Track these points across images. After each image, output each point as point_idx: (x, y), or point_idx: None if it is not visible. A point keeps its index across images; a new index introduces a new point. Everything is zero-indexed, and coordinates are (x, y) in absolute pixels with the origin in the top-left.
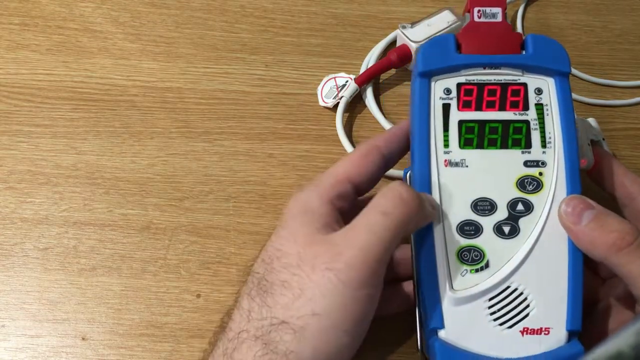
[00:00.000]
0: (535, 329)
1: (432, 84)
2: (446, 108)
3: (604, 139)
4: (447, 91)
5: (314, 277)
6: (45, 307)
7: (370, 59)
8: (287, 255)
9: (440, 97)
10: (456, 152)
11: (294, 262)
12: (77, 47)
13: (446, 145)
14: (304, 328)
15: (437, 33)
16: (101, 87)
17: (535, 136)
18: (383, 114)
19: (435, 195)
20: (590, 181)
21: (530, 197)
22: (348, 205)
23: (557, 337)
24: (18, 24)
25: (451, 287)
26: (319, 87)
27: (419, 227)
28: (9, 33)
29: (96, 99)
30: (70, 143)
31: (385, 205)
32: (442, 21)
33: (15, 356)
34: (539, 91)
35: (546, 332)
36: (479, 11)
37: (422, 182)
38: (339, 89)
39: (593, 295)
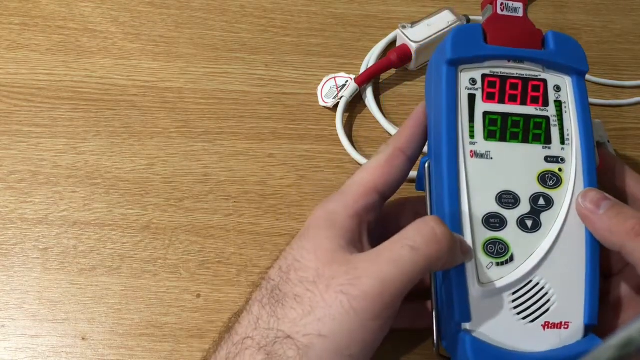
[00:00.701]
0: (556, 323)
1: (459, 73)
2: (472, 98)
3: (609, 141)
4: (473, 81)
5: (327, 297)
6: (45, 307)
7: (370, 59)
8: (305, 269)
9: (466, 87)
10: (481, 144)
11: (310, 277)
12: (77, 47)
13: (472, 136)
14: (308, 347)
15: (437, 33)
16: (101, 87)
17: (555, 133)
18: (383, 114)
19: (462, 185)
20: (598, 182)
21: (551, 193)
22: (375, 217)
23: (576, 331)
24: (18, 24)
25: (478, 280)
26: (319, 87)
27: (445, 269)
28: (9, 33)
29: (96, 99)
30: (70, 143)
31: (415, 240)
32: (442, 21)
33: (15, 356)
34: (557, 88)
35: (566, 327)
36: (502, 4)
37: (450, 172)
38: (339, 89)
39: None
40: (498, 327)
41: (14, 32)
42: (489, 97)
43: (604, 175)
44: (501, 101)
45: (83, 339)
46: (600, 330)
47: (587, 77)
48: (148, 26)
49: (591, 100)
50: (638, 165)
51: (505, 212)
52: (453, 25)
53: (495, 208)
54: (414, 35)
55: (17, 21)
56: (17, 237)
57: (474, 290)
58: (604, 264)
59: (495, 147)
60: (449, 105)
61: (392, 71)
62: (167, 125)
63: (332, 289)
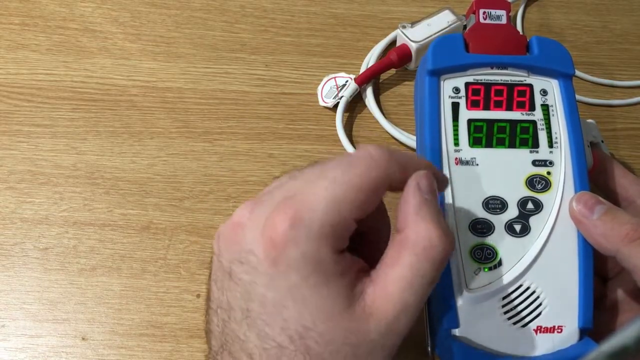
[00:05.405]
0: (549, 327)
1: (441, 82)
2: (455, 107)
3: (603, 141)
4: (456, 90)
5: None
6: (45, 307)
7: (370, 59)
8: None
9: (449, 96)
10: (466, 151)
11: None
12: (77, 47)
13: (456, 143)
14: None
15: (437, 33)
16: (101, 87)
17: (542, 136)
18: (383, 114)
19: (448, 193)
20: (592, 182)
21: (540, 196)
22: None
23: (570, 334)
24: (18, 24)
25: (466, 286)
26: (319, 87)
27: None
28: (9, 33)
29: (96, 99)
30: (70, 143)
31: (423, 269)
32: (442, 21)
33: (15, 356)
34: (544, 92)
35: (559, 330)
36: (484, 13)
37: None
38: (339, 88)
39: (595, 294)
40: (489, 333)
41: (14, 32)
42: (473, 105)
43: (597, 175)
44: (486, 108)
45: (83, 339)
46: (598, 334)
47: (587, 77)
48: (148, 26)
49: (591, 100)
50: (632, 166)
51: (492, 218)
52: (453, 25)
53: (482, 214)
54: (414, 35)
55: (17, 21)
56: (17, 237)
57: (461, 296)
58: (602, 267)
59: (481, 154)
60: (432, 115)
61: (392, 71)
62: (167, 125)
63: None
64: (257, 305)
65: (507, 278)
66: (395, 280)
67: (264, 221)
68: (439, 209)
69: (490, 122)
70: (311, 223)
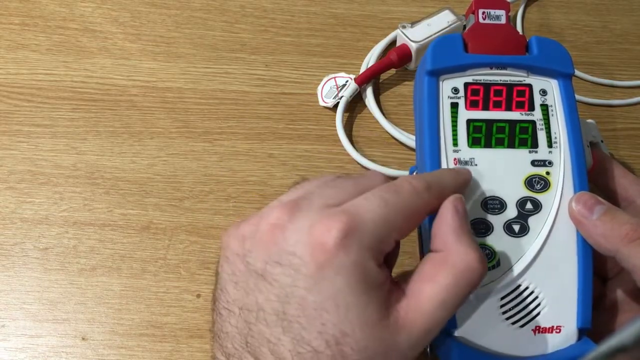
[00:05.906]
0: (547, 327)
1: (440, 82)
2: (454, 107)
3: (602, 141)
4: (455, 90)
5: None
6: (45, 307)
7: (370, 59)
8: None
9: (448, 96)
10: (465, 151)
11: None
12: (77, 47)
13: (455, 144)
14: None
15: (437, 33)
16: (101, 87)
17: (542, 136)
18: (383, 114)
19: None
20: (592, 182)
21: (539, 196)
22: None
23: (569, 335)
24: (18, 24)
25: None
26: (319, 87)
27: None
28: (9, 33)
29: (96, 99)
30: (70, 143)
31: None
32: (442, 21)
33: (15, 356)
34: (543, 92)
35: (557, 331)
36: (483, 13)
37: None
38: (339, 88)
39: (595, 294)
40: (487, 333)
41: (14, 32)
42: (472, 105)
43: (597, 175)
44: (485, 108)
45: (83, 339)
46: (597, 334)
47: (587, 77)
48: (148, 26)
49: (591, 100)
50: (632, 166)
51: (490, 218)
52: (453, 25)
53: (481, 214)
54: (414, 35)
55: (17, 21)
56: (17, 237)
57: None
58: (601, 267)
59: (480, 154)
60: (430, 115)
61: (392, 71)
62: (167, 125)
63: None
64: (295, 308)
65: (505, 278)
66: (430, 298)
67: (309, 225)
68: (473, 233)
69: (489, 122)
70: (364, 234)
